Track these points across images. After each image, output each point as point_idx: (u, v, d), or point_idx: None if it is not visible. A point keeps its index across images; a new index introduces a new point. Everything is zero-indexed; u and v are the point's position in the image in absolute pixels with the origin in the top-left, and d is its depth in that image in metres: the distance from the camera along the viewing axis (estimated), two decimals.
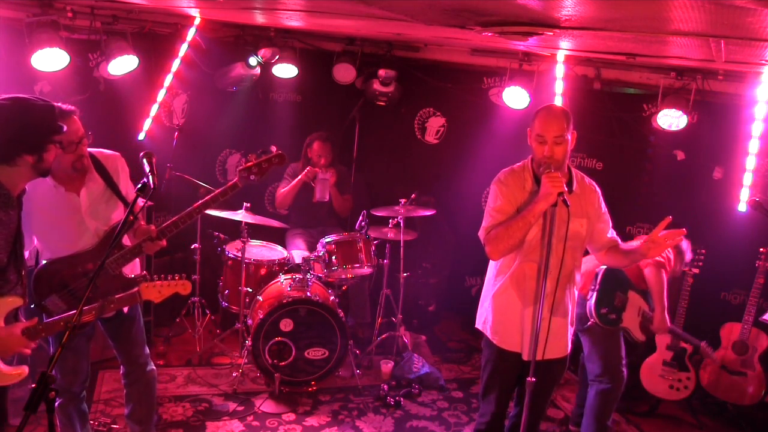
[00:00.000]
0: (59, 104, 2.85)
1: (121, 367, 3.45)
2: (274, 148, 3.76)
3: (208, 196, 3.16)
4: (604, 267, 3.77)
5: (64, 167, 2.91)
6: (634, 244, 3.10)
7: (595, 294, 3.78)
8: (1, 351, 2.54)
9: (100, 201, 3.10)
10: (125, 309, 3.26)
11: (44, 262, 3.04)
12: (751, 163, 4.41)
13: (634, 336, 3.89)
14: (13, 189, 2.57)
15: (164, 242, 3.12)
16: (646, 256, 3.00)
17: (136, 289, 2.89)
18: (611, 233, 3.16)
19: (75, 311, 2.45)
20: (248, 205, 4.75)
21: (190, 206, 3.18)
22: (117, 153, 3.25)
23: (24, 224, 2.82)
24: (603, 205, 3.11)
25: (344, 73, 5.61)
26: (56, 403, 3.13)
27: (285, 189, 5.31)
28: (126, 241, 3.18)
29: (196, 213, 3.17)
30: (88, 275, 3.03)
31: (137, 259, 3.24)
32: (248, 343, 4.43)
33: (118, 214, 3.17)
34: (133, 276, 3.19)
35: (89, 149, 3.05)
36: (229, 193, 3.19)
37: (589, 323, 3.80)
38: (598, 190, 3.12)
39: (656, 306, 3.82)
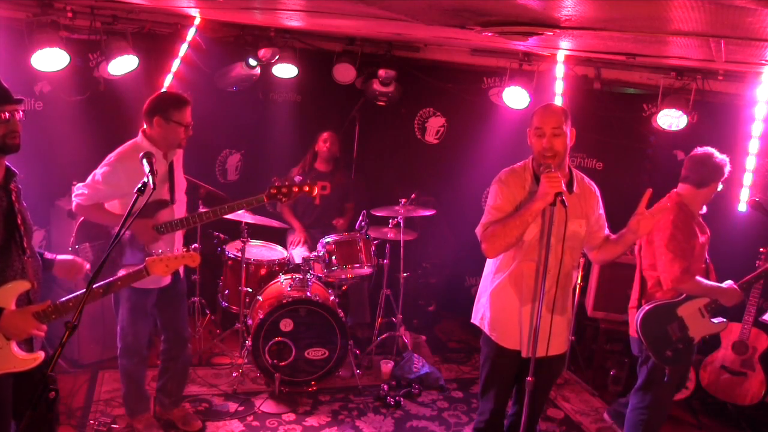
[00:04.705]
0: (180, 92, 3.40)
1: (162, 344, 3.80)
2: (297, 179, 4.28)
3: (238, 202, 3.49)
4: (639, 317, 3.43)
5: (172, 141, 3.42)
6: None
7: (648, 351, 3.43)
8: (15, 334, 2.52)
9: (165, 176, 3.49)
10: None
11: None
12: (751, 163, 4.41)
13: (716, 331, 3.56)
14: None
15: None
16: (638, 233, 2.92)
17: (141, 265, 2.80)
18: (606, 233, 3.16)
19: (84, 291, 2.39)
20: None
21: (194, 207, 3.33)
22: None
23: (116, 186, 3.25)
24: (601, 206, 3.11)
25: (344, 73, 5.60)
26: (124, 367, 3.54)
27: None
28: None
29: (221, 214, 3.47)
30: (120, 238, 3.15)
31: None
32: (248, 343, 4.43)
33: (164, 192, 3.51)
34: (153, 253, 3.31)
35: None
36: (254, 204, 3.54)
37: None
38: (597, 191, 3.12)
39: (710, 291, 3.46)
